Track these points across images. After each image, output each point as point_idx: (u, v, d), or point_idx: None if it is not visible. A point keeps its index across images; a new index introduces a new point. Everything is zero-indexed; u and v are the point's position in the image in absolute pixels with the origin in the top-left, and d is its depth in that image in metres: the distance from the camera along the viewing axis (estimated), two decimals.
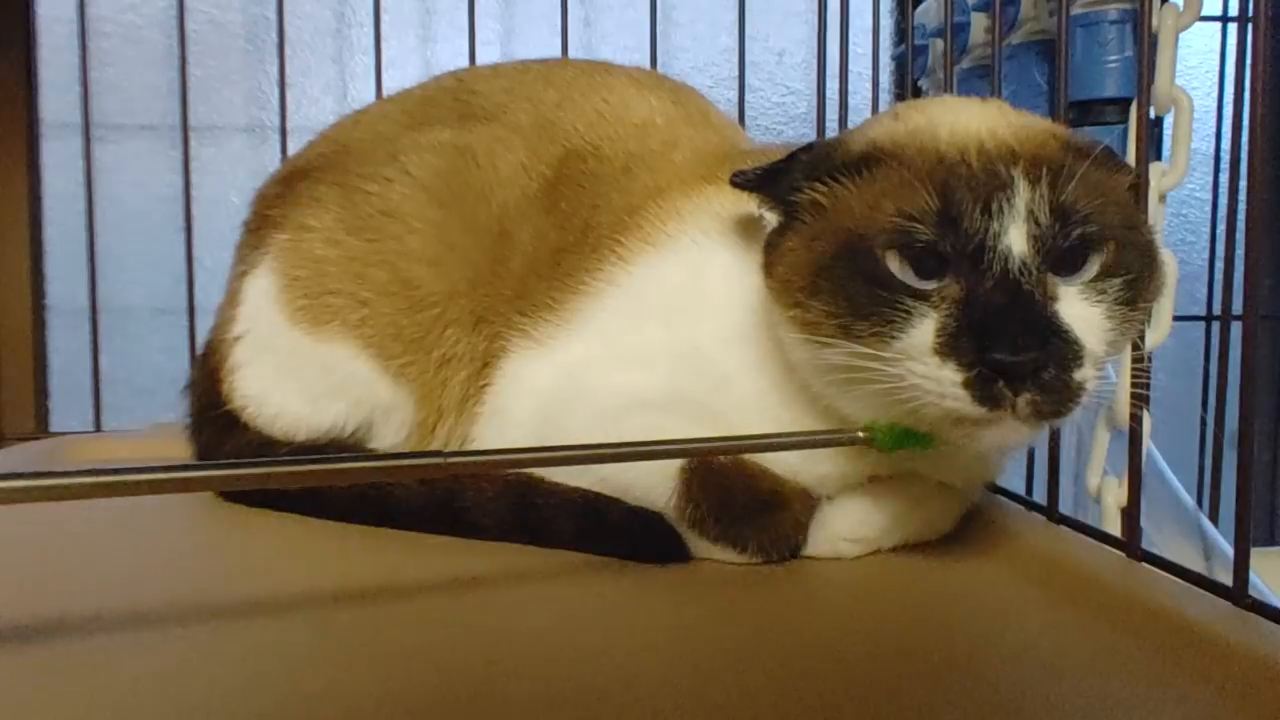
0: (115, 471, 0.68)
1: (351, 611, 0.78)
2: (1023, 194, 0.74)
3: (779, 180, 0.84)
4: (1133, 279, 0.78)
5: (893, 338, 0.75)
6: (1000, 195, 0.74)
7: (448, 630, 0.74)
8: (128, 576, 0.87)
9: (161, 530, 1.02)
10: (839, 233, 0.79)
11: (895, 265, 0.76)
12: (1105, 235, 0.76)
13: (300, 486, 0.99)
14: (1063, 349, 0.72)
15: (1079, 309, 0.75)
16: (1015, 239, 0.74)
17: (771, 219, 0.86)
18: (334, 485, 0.99)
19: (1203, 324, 1.67)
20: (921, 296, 0.75)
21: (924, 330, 0.74)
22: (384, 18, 1.68)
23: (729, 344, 0.90)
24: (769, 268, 0.84)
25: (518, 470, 0.95)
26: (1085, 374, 0.73)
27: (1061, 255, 0.75)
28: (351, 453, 1.04)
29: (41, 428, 1.79)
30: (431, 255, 1.03)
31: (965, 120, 0.81)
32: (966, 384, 0.72)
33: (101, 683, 0.64)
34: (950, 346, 0.73)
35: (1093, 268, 0.77)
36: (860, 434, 0.84)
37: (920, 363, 0.74)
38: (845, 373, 0.79)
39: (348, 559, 0.92)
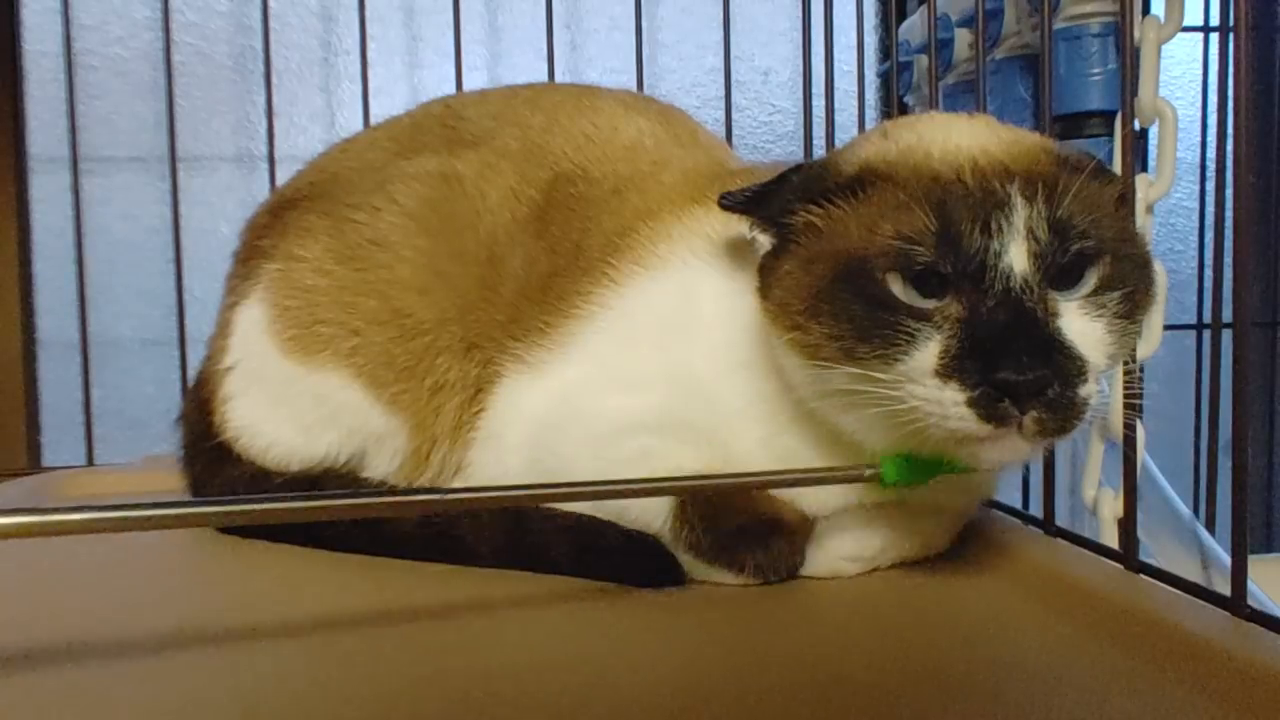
0: (113, 508, 0.69)
1: (349, 642, 0.78)
2: (1020, 211, 0.74)
3: (770, 202, 0.84)
4: (1130, 291, 0.78)
5: (896, 359, 0.75)
6: (998, 213, 0.74)
7: (446, 659, 0.74)
8: (123, 609, 0.86)
9: (157, 562, 1.01)
10: (837, 255, 0.79)
11: (897, 287, 0.76)
12: (1102, 249, 0.77)
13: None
14: (1067, 365, 0.72)
15: (1080, 324, 0.75)
16: (1015, 256, 0.74)
17: (764, 241, 0.86)
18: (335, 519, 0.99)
19: (1193, 332, 1.67)
20: (924, 317, 0.75)
21: (928, 351, 0.74)
22: (370, 45, 1.69)
23: (721, 365, 0.90)
24: (764, 290, 0.84)
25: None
26: (1089, 389, 0.73)
27: (1060, 271, 0.75)
28: (346, 485, 1.04)
29: (33, 463, 1.79)
30: (421, 283, 1.03)
31: (956, 137, 0.81)
32: (970, 403, 0.72)
33: (97, 716, 0.64)
34: (953, 368, 0.73)
35: (1090, 282, 0.77)
36: (866, 471, 0.84)
37: (920, 385, 0.74)
38: (846, 395, 0.79)
39: (345, 589, 0.91)
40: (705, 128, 1.20)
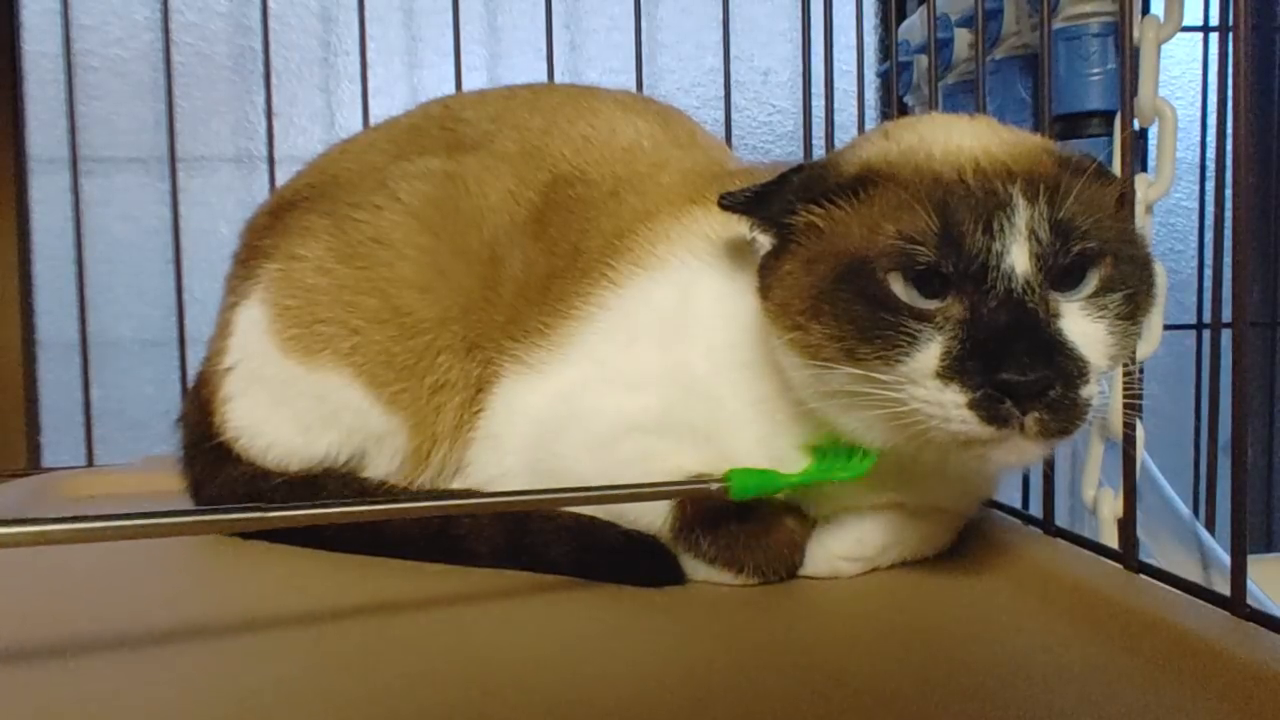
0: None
1: (348, 642, 0.78)
2: (1022, 212, 0.74)
3: (771, 202, 0.84)
4: (1132, 293, 0.78)
5: (898, 360, 0.75)
6: (1000, 214, 0.74)
7: (445, 659, 0.74)
8: (122, 608, 0.86)
9: (156, 562, 1.01)
10: (839, 255, 0.79)
11: (899, 287, 0.76)
12: (1104, 250, 0.77)
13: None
14: (1068, 366, 0.72)
15: (1081, 325, 0.75)
16: (1018, 257, 0.74)
17: (764, 241, 0.86)
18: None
19: (1193, 332, 1.67)
20: (925, 318, 0.75)
21: (929, 353, 0.74)
22: (370, 45, 1.69)
23: (721, 365, 0.90)
24: (765, 291, 0.84)
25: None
26: (1090, 390, 0.73)
27: (1062, 272, 0.75)
28: (346, 484, 1.04)
29: (33, 463, 1.79)
30: (423, 282, 1.03)
31: (958, 138, 0.81)
32: (972, 405, 0.72)
33: (96, 717, 0.64)
34: (954, 369, 0.73)
35: (1091, 283, 0.77)
36: (714, 485, 0.85)
37: (921, 386, 0.74)
38: (846, 396, 0.79)
39: (344, 590, 0.91)
40: (704, 128, 1.20)
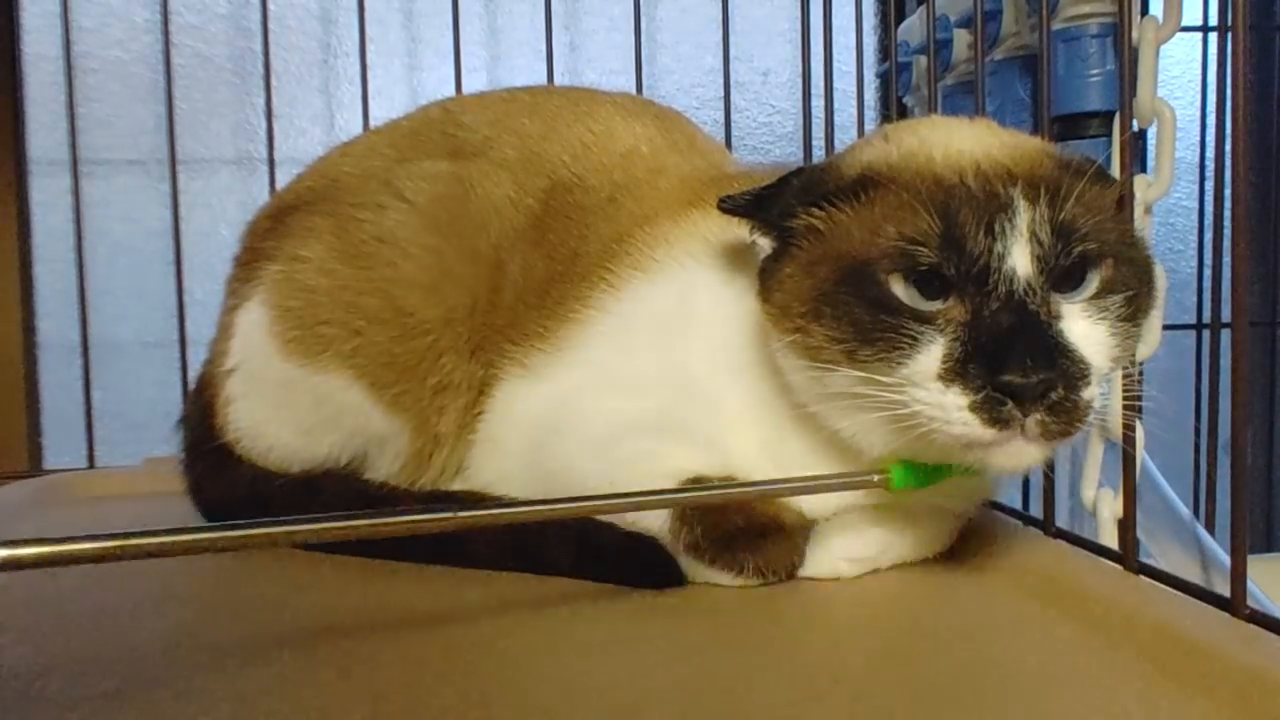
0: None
1: (348, 644, 0.78)
2: (1023, 214, 0.75)
3: (771, 205, 0.84)
4: (1133, 295, 0.78)
5: (899, 363, 0.75)
6: (1002, 216, 0.75)
7: (445, 661, 0.74)
8: (119, 614, 0.86)
9: (155, 563, 1.01)
10: (840, 258, 0.79)
11: (900, 289, 0.76)
12: (1104, 252, 0.77)
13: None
14: (1070, 368, 0.73)
15: (1082, 327, 0.76)
16: (1019, 259, 0.74)
17: (764, 244, 0.86)
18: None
19: (1193, 332, 1.67)
20: (927, 320, 0.75)
21: (930, 355, 0.74)
22: (370, 47, 1.68)
23: (720, 368, 0.91)
24: (765, 294, 0.84)
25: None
26: (1092, 392, 0.74)
27: (1063, 273, 0.76)
28: (347, 484, 1.04)
29: (35, 465, 1.79)
30: (427, 282, 1.03)
31: (958, 141, 0.81)
32: (973, 407, 0.72)
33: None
34: (955, 372, 0.73)
35: (1092, 284, 0.77)
36: (875, 477, 0.84)
37: (923, 389, 0.74)
38: (847, 399, 0.79)
39: (344, 590, 0.91)
40: (704, 131, 1.21)
